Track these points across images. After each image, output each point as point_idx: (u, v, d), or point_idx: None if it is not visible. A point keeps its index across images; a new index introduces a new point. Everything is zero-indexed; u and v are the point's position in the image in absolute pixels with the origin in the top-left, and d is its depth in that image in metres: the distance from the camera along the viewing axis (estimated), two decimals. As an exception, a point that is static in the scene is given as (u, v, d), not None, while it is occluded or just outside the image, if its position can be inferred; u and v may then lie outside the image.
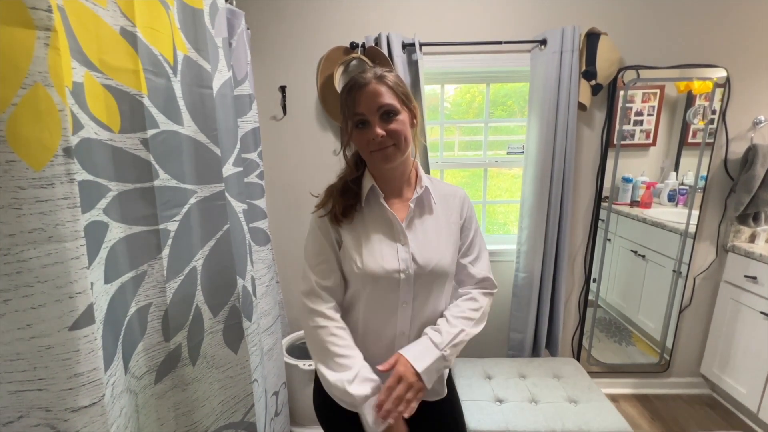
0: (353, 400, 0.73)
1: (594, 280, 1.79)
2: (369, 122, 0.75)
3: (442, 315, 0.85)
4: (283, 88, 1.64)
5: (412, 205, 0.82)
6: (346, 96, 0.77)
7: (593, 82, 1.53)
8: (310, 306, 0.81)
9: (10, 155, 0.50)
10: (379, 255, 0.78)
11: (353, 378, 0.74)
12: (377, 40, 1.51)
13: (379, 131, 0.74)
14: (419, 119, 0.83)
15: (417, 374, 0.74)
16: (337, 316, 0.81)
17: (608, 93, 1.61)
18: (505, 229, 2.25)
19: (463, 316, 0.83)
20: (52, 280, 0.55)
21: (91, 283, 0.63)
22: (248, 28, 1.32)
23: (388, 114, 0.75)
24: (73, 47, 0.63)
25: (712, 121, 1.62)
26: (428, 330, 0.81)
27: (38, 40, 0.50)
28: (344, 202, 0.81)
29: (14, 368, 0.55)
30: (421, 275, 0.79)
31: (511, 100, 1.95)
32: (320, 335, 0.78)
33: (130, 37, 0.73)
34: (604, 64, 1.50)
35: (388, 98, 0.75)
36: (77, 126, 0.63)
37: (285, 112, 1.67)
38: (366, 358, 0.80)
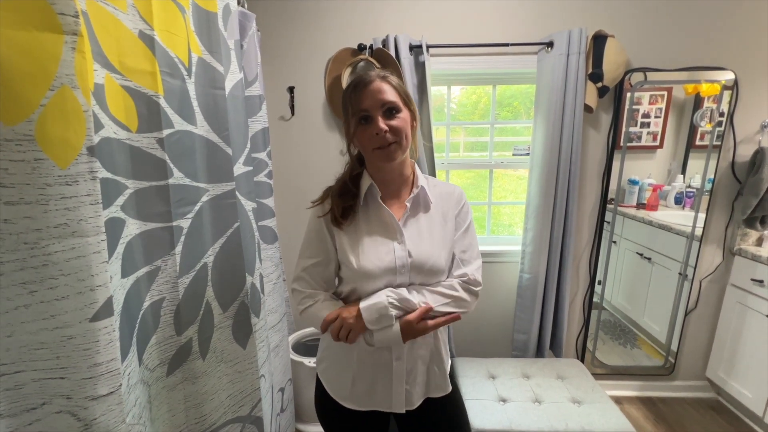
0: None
1: (599, 282, 1.79)
2: (372, 118, 0.77)
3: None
4: (291, 89, 1.67)
5: (408, 205, 0.83)
6: (351, 93, 0.79)
7: (600, 84, 1.53)
8: (295, 288, 0.86)
9: (39, 154, 0.53)
10: (375, 254, 0.79)
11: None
12: (385, 42, 1.52)
13: (383, 126, 0.76)
14: (418, 121, 0.84)
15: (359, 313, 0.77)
16: (323, 293, 0.84)
17: (615, 95, 1.61)
18: (510, 230, 2.25)
19: (434, 290, 0.81)
20: (75, 273, 0.58)
21: (110, 277, 0.65)
22: (258, 30, 1.35)
23: (390, 111, 0.77)
24: (94, 50, 0.66)
25: (719, 124, 1.61)
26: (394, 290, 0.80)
27: (66, 44, 0.53)
28: (342, 203, 0.83)
29: (38, 357, 0.57)
30: (417, 273, 0.80)
31: (517, 101, 1.96)
32: (312, 311, 0.82)
33: (148, 40, 0.76)
34: (611, 66, 1.51)
35: (391, 96, 0.77)
36: (98, 126, 0.66)
37: (293, 113, 1.69)
38: (361, 356, 0.83)
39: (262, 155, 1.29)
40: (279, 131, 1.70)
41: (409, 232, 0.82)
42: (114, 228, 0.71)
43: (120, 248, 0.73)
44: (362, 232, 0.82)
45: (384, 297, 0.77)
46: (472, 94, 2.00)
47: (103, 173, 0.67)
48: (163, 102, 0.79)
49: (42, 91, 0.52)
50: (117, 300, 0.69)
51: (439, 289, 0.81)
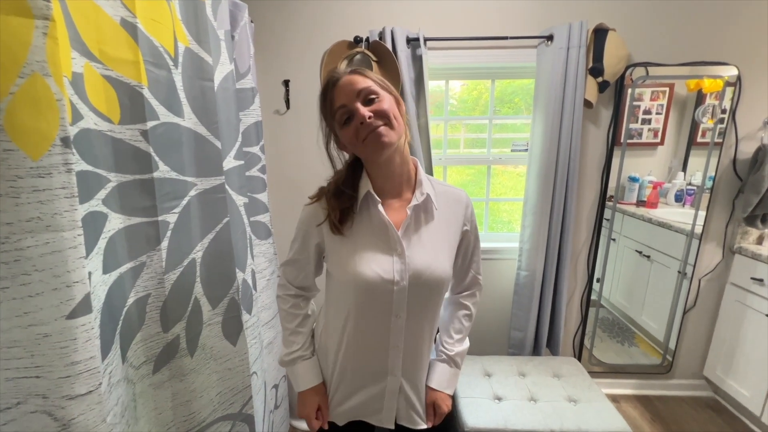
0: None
1: (597, 280, 1.77)
2: (353, 110, 0.71)
3: (436, 328, 0.87)
4: (286, 82, 1.64)
5: (410, 212, 0.77)
6: (324, 97, 0.75)
7: (600, 79, 1.50)
8: (279, 276, 0.92)
9: (8, 144, 0.51)
10: (372, 265, 0.75)
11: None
12: (381, 35, 1.49)
13: (365, 112, 0.69)
14: (404, 106, 0.78)
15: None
16: (293, 301, 0.89)
17: (615, 90, 1.58)
18: (509, 227, 2.23)
19: (461, 334, 0.92)
20: (50, 269, 0.55)
21: (90, 273, 0.63)
22: (252, 21, 1.32)
23: (369, 97, 0.71)
24: (73, 37, 0.63)
25: (721, 121, 1.58)
26: (442, 354, 0.90)
27: (36, 29, 0.50)
28: (340, 205, 0.77)
29: (12, 355, 0.55)
30: (415, 286, 0.75)
31: (518, 97, 1.93)
32: (280, 307, 0.91)
33: (131, 28, 0.73)
34: (612, 60, 1.48)
35: (365, 83, 0.71)
36: (77, 116, 0.63)
37: (288, 107, 1.66)
38: (356, 370, 0.82)
39: (255, 149, 1.27)
40: (274, 125, 1.67)
41: (410, 242, 0.77)
42: (95, 222, 0.69)
43: (102, 243, 0.71)
44: (359, 239, 0.77)
45: (458, 373, 0.90)
46: (473, 89, 1.97)
47: (83, 166, 0.65)
48: (147, 93, 0.77)
49: (11, 78, 0.49)
50: (98, 296, 0.67)
51: (464, 325, 0.91)
